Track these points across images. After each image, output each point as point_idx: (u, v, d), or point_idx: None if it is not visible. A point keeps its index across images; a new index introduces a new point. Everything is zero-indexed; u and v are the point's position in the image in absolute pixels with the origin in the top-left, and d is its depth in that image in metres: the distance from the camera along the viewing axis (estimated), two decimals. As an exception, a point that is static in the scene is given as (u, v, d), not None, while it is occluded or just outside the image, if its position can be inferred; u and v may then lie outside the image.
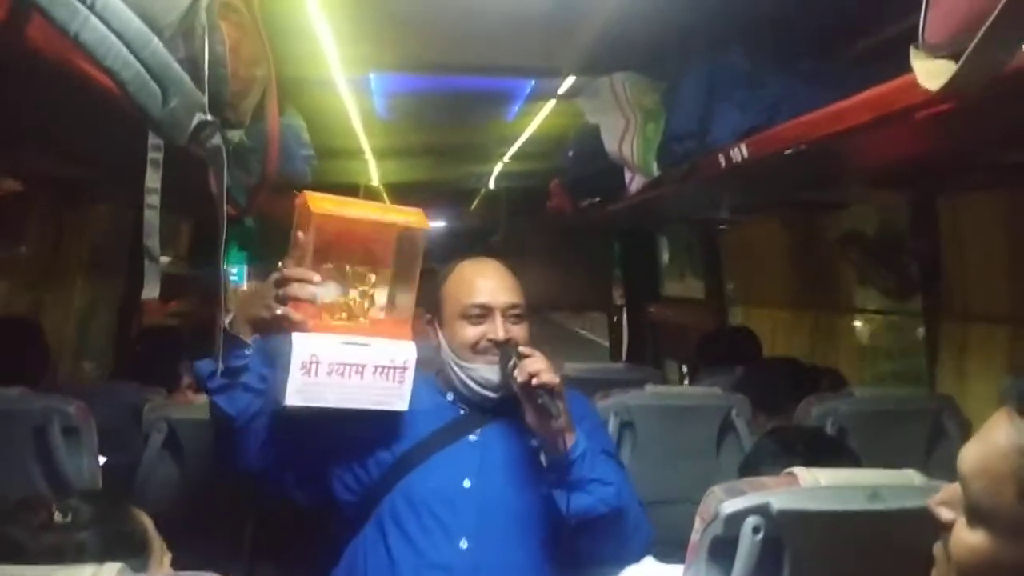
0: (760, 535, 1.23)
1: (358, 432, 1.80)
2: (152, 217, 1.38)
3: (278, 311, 1.66)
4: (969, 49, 1.02)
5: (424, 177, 6.13)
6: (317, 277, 1.68)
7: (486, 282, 1.84)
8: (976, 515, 0.93)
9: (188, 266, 4.78)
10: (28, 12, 1.00)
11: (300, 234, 1.70)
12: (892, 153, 1.87)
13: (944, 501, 0.99)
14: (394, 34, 2.55)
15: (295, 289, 1.66)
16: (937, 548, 1.00)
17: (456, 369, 1.83)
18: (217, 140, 1.53)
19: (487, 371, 1.81)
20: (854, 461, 1.57)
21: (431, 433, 1.83)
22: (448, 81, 3.20)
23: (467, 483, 1.79)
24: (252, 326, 1.72)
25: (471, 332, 1.81)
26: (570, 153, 3.70)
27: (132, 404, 2.50)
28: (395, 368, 1.72)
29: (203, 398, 2.34)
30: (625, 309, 5.93)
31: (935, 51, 1.17)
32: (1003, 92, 1.11)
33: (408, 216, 1.80)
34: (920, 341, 2.79)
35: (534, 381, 1.67)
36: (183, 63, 1.34)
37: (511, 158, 5.15)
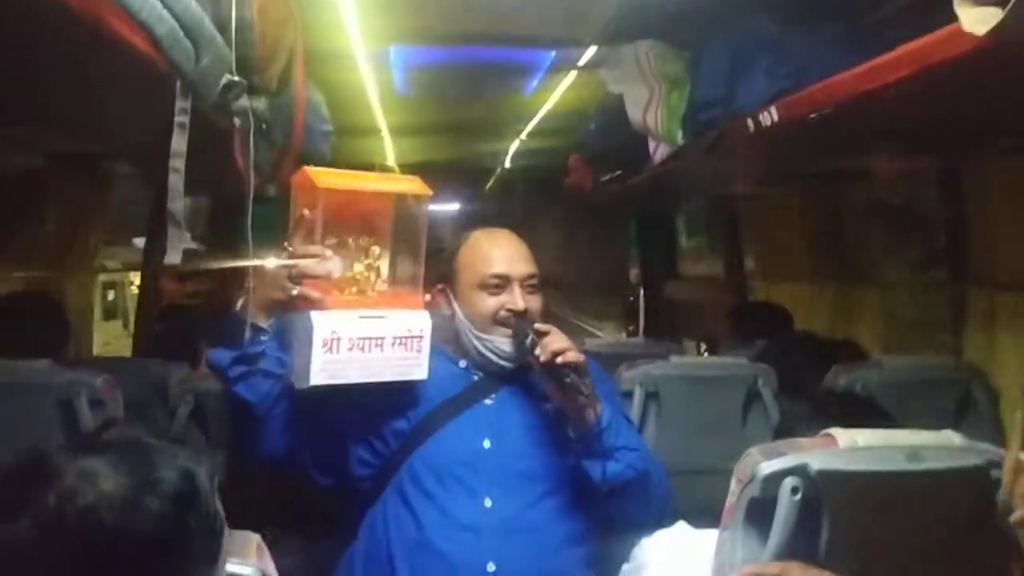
0: (799, 496, 1.22)
1: (374, 405, 1.81)
2: (177, 181, 1.38)
3: (295, 291, 1.65)
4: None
5: (440, 156, 6.11)
6: (330, 253, 1.67)
7: (503, 252, 1.85)
8: None
9: (207, 246, 4.79)
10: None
11: (305, 211, 1.68)
12: (920, 114, 1.85)
13: None
14: (415, 3, 2.53)
15: (309, 267, 1.65)
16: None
17: (473, 339, 1.84)
18: (244, 102, 1.53)
19: (504, 342, 1.82)
20: (890, 422, 1.55)
21: (447, 399, 1.85)
22: (467, 53, 3.18)
23: (487, 443, 1.81)
24: (266, 309, 1.71)
25: (490, 302, 1.82)
26: (592, 126, 3.68)
27: (156, 379, 2.51)
28: (412, 338, 1.74)
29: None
30: (642, 288, 5.91)
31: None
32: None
33: (408, 184, 1.81)
34: (946, 312, 2.76)
35: (559, 360, 1.68)
36: (212, 23, 1.34)
37: (528, 135, 5.13)
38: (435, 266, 1.87)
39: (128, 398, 2.26)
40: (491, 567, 1.72)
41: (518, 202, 7.17)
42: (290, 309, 1.68)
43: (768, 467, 1.26)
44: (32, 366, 2.18)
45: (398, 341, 1.72)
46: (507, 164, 6.55)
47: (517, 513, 1.76)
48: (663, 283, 5.51)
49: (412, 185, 1.80)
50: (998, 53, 1.18)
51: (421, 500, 1.78)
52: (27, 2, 0.97)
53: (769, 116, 1.96)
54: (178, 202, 1.44)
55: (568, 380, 1.67)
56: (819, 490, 1.22)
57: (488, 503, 1.76)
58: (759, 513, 1.26)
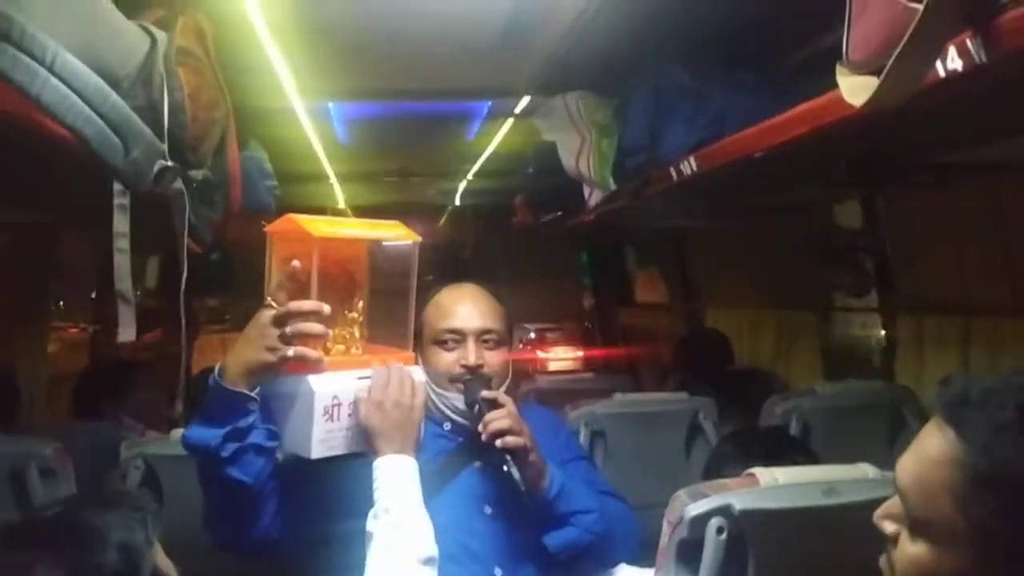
0: (724, 535, 1.28)
1: (362, 472, 1.59)
2: (123, 261, 1.41)
3: (290, 352, 1.46)
4: (888, 65, 1.08)
5: (390, 198, 6.17)
6: (327, 308, 1.48)
7: (461, 307, 1.79)
8: (916, 527, 0.94)
9: (158, 300, 4.78)
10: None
11: (295, 263, 1.48)
12: (831, 159, 1.94)
13: (887, 514, 1.00)
14: (350, 63, 2.59)
15: (305, 325, 1.46)
16: (882, 561, 1.01)
17: (434, 397, 1.76)
18: (179, 184, 1.58)
19: (459, 399, 1.75)
20: (811, 458, 1.62)
21: (437, 464, 1.73)
22: (407, 105, 3.24)
23: (488, 510, 1.74)
24: (251, 375, 1.48)
25: (446, 358, 1.76)
26: (530, 170, 3.75)
27: (108, 441, 2.51)
28: None
29: (179, 432, 2.37)
30: (597, 316, 6.00)
31: (858, 68, 1.24)
32: (924, 103, 1.17)
33: (396, 230, 1.66)
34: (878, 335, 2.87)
35: (498, 443, 1.60)
36: (143, 110, 1.39)
37: (475, 175, 5.20)
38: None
39: (78, 463, 2.28)
40: (498, 573, 1.68)
41: (470, 237, 7.24)
42: (278, 373, 1.50)
43: (694, 508, 1.32)
44: (-19, 436, 2.19)
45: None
46: (457, 202, 6.61)
47: (518, 521, 1.71)
48: (616, 310, 5.60)
49: (400, 231, 1.65)
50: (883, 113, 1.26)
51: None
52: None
53: (689, 166, 2.04)
54: (126, 281, 1.47)
55: (506, 461, 1.59)
56: (742, 528, 1.28)
57: (498, 573, 1.70)
58: (689, 553, 1.32)
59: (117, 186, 1.43)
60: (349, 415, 1.52)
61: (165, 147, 1.40)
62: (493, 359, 1.77)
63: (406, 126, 3.63)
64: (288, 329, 1.46)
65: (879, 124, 1.43)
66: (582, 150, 2.73)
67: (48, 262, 3.37)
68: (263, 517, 1.57)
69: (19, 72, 1.02)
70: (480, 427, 1.63)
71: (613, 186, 2.67)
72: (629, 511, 1.86)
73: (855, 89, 1.21)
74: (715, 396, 2.60)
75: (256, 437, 1.52)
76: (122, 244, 1.44)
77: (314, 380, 1.49)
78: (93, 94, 1.11)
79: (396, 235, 1.65)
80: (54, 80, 1.05)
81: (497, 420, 1.62)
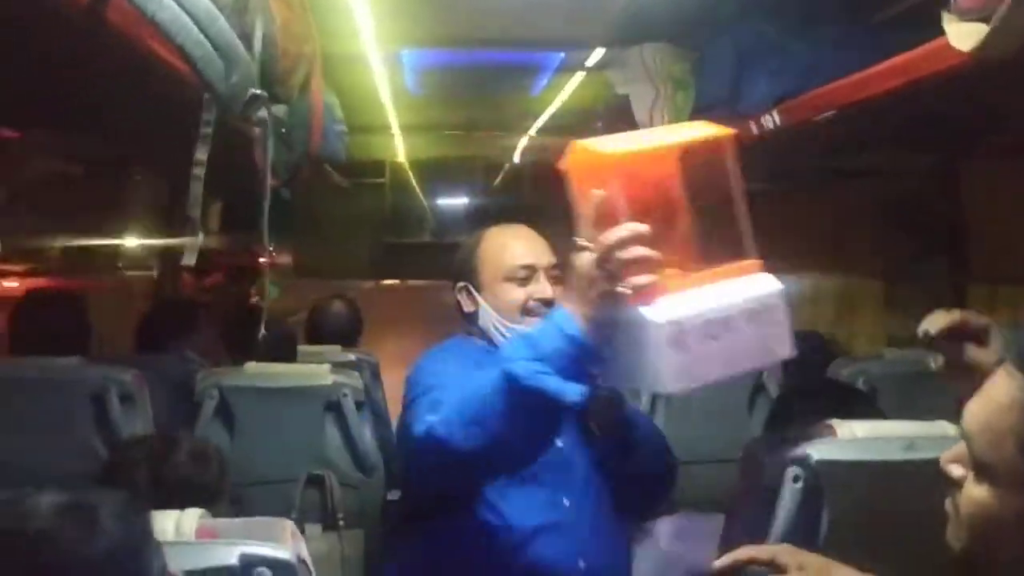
0: (800, 484, 1.29)
1: None
2: (197, 188, 1.44)
3: (624, 289, 1.32)
4: (1000, 11, 1.06)
5: (449, 152, 6.18)
6: (644, 227, 1.30)
7: (527, 243, 1.81)
8: (981, 470, 0.95)
9: (219, 243, 4.88)
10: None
11: (595, 193, 1.32)
12: (914, 119, 1.90)
13: (953, 458, 1.01)
14: (428, 8, 2.58)
15: (628, 253, 1.29)
16: (948, 504, 1.02)
17: (504, 332, 1.77)
18: (265, 113, 1.60)
19: None
20: (880, 415, 1.60)
21: None
22: (478, 55, 3.24)
23: (559, 443, 1.69)
24: (589, 316, 1.36)
25: (519, 293, 1.76)
26: (599, 124, 3.74)
27: (179, 374, 2.59)
28: (767, 308, 1.38)
29: (253, 365, 2.44)
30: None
31: (966, 14, 1.21)
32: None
33: (703, 129, 1.40)
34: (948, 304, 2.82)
35: None
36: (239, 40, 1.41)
37: (537, 132, 5.19)
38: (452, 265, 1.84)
39: (153, 394, 2.35)
40: (581, 564, 1.70)
41: (526, 195, 7.24)
42: (611, 308, 1.35)
43: (772, 457, 1.33)
44: (63, 363, 2.27)
45: (751, 318, 1.36)
46: (516, 160, 6.61)
47: (588, 511, 1.74)
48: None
49: (705, 129, 1.40)
50: (985, 65, 1.24)
51: (500, 501, 1.70)
52: (80, 24, 1.04)
53: (771, 119, 2.01)
54: (197, 208, 1.50)
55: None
56: (819, 479, 1.29)
57: (567, 502, 1.72)
58: (762, 501, 1.32)
59: (205, 115, 1.45)
60: (699, 342, 1.32)
61: (257, 73, 1.42)
62: (558, 293, 1.75)
63: (476, 77, 3.62)
64: (612, 266, 1.31)
65: (975, 80, 1.40)
66: (656, 104, 2.71)
67: (119, 199, 3.44)
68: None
69: (136, -10, 1.05)
70: None
71: (686, 141, 2.64)
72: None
73: (962, 35, 1.19)
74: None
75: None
76: (199, 172, 1.47)
77: (651, 311, 1.31)
78: (203, 16, 1.13)
79: (703, 135, 1.39)
80: (168, 0, 1.07)
81: None
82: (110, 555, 0.90)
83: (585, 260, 1.33)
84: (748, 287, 1.38)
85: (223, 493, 1.53)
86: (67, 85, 1.43)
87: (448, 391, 1.53)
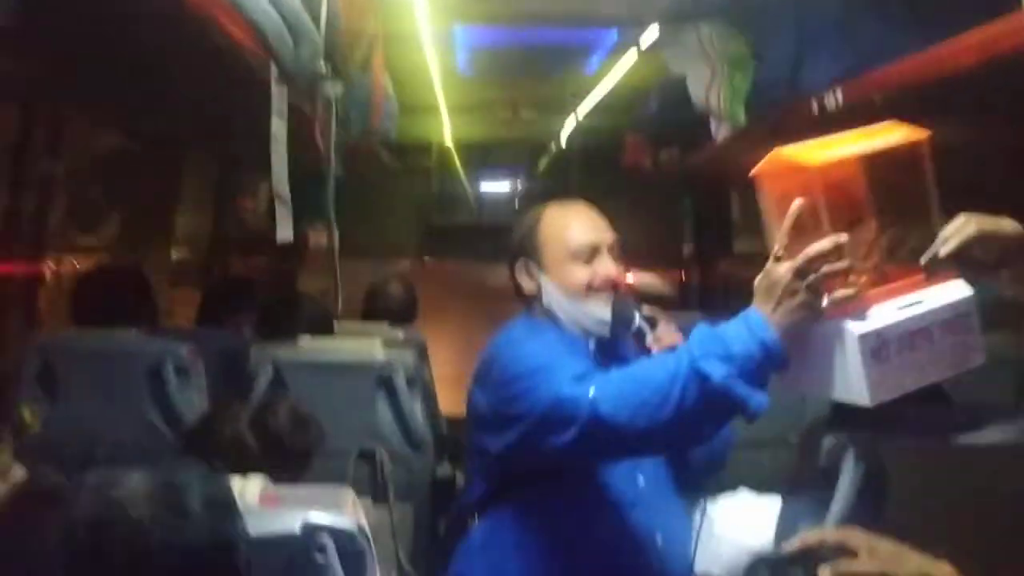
0: (862, 467, 1.25)
1: None
2: (280, 163, 1.44)
3: (823, 302, 1.34)
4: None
5: (495, 134, 6.17)
6: (844, 237, 1.31)
7: (590, 222, 1.81)
8: None
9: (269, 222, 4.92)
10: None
11: (796, 203, 1.31)
12: (986, 99, 1.85)
13: None
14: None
15: (829, 267, 1.31)
16: None
17: (571, 310, 1.77)
18: (327, 89, 1.61)
19: (602, 310, 1.74)
20: (944, 399, 1.57)
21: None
22: (529, 33, 3.22)
23: None
24: (787, 328, 1.38)
25: (584, 272, 1.76)
26: (653, 103, 3.70)
27: (233, 348, 2.62)
28: (960, 317, 1.37)
29: (308, 339, 2.47)
30: (697, 266, 5.92)
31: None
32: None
33: (897, 132, 1.38)
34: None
35: None
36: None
37: (586, 114, 5.16)
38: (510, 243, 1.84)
39: (208, 366, 2.39)
40: (659, 539, 1.72)
41: (573, 178, 7.21)
42: (807, 317, 1.36)
43: (832, 438, 1.30)
44: (121, 335, 2.32)
45: (945, 326, 1.36)
46: (563, 143, 6.58)
47: (660, 490, 1.76)
48: (717, 260, 5.51)
49: (900, 132, 1.37)
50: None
51: (578, 482, 1.72)
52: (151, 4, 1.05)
53: (834, 97, 1.97)
54: (284, 183, 1.50)
55: None
56: (882, 462, 1.25)
57: (641, 482, 1.74)
58: (822, 482, 1.30)
59: (276, 91, 1.46)
60: (898, 352, 1.33)
61: (322, 49, 1.42)
62: (620, 270, 1.80)
63: (527, 54, 3.60)
64: (812, 277, 1.33)
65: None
66: (712, 84, 2.68)
67: (175, 178, 3.49)
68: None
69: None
70: (649, 340, 1.67)
71: (744, 120, 2.62)
72: None
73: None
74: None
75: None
76: (280, 148, 1.47)
77: (854, 324, 1.32)
78: (272, -12, 1.14)
79: (897, 138, 1.37)
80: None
81: (668, 336, 1.67)
82: (198, 535, 0.95)
83: (783, 270, 1.34)
84: (942, 295, 1.37)
85: (311, 461, 1.56)
86: (136, 61, 1.44)
87: (573, 368, 1.56)
